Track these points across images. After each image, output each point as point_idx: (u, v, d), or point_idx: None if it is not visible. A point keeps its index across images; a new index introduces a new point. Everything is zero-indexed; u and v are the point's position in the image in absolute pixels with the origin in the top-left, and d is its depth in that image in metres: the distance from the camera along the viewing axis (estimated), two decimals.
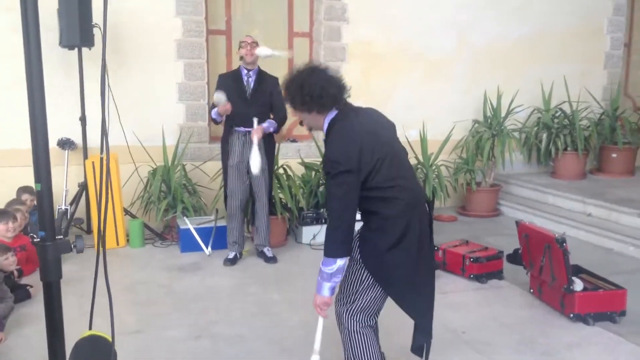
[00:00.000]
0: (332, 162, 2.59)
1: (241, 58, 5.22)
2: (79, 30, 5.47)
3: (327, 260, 2.62)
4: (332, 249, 2.61)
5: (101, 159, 1.93)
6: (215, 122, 5.31)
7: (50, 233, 1.71)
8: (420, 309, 2.87)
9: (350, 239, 2.64)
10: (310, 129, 2.95)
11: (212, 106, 5.26)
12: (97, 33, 5.69)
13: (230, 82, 5.21)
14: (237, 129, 5.18)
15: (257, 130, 5.00)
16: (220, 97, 4.99)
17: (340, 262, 2.61)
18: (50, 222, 1.72)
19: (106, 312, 2.10)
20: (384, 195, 2.65)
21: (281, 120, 5.26)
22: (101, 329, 2.38)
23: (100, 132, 1.83)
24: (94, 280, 2.06)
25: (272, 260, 5.28)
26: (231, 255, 5.36)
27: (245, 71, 5.21)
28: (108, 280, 2.02)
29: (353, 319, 2.81)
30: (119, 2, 5.78)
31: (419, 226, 2.73)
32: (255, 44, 5.17)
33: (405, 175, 2.74)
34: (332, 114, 2.73)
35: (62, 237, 1.80)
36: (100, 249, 1.93)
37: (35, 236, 1.74)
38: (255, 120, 5.06)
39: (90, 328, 2.25)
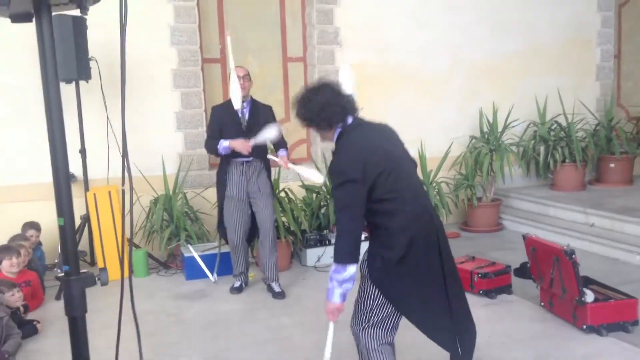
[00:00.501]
0: (337, 172, 2.68)
1: None
2: (76, 63, 5.48)
3: (337, 267, 2.67)
4: (341, 256, 2.67)
5: (123, 190, 1.92)
6: (218, 154, 5.12)
7: (74, 267, 1.69)
8: (434, 326, 2.83)
9: (358, 247, 2.68)
10: (323, 141, 3.01)
11: (207, 139, 5.17)
12: (93, 66, 5.72)
13: (225, 114, 5.10)
14: (235, 160, 5.07)
15: (283, 159, 5.01)
16: (271, 133, 4.88)
17: (351, 270, 2.66)
18: (74, 256, 1.71)
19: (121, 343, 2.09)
20: (387, 208, 2.68)
21: (284, 146, 5.22)
22: None
23: (122, 162, 1.82)
24: (119, 311, 2.04)
25: (280, 295, 5.12)
26: (237, 284, 5.30)
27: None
28: (135, 311, 2.00)
29: (370, 337, 2.80)
30: (116, 35, 5.80)
31: (425, 242, 2.72)
32: (247, 77, 5.08)
33: (411, 188, 2.75)
34: (339, 128, 2.80)
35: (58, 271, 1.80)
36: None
37: (60, 271, 1.73)
38: (277, 153, 5.10)
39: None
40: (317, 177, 4.84)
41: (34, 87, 5.98)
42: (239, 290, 5.25)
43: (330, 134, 2.83)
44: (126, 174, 1.86)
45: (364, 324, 2.80)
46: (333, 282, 2.70)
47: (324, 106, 2.74)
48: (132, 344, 2.32)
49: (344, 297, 2.71)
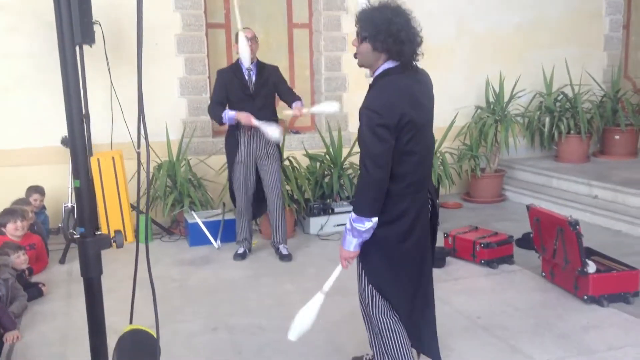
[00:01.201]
0: (372, 112, 2.46)
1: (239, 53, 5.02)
2: (80, 27, 5.41)
3: (358, 218, 2.55)
4: (363, 208, 2.54)
5: (138, 153, 1.92)
6: (221, 122, 5.09)
7: (90, 229, 1.70)
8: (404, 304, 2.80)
9: (382, 199, 2.53)
10: (360, 65, 2.70)
11: (212, 105, 5.12)
12: (97, 30, 5.65)
13: (231, 77, 5.04)
14: (243, 126, 5.02)
15: (297, 108, 4.91)
16: (274, 134, 4.79)
17: (373, 221, 2.55)
18: (90, 218, 1.72)
19: (124, 307, 2.12)
20: (393, 172, 2.55)
21: (297, 98, 5.12)
22: (120, 325, 2.39)
23: (137, 125, 1.81)
24: (134, 274, 2.06)
25: (286, 258, 5.19)
26: (240, 250, 5.34)
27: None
28: (151, 275, 2.03)
29: (383, 315, 2.77)
30: None
31: (417, 215, 2.69)
32: (255, 39, 5.03)
33: (423, 156, 2.66)
34: (391, 64, 2.58)
35: (73, 232, 1.82)
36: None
37: (74, 232, 1.74)
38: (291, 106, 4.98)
39: (131, 322, 2.25)
40: (332, 106, 4.69)
41: (36, 53, 6.01)
42: (242, 256, 5.30)
43: (375, 61, 2.59)
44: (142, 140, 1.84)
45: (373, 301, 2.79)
46: (352, 232, 2.58)
47: (395, 31, 2.47)
48: (138, 307, 2.35)
49: (359, 246, 2.62)
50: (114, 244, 1.78)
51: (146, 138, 1.84)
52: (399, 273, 2.71)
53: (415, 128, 2.53)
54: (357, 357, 3.30)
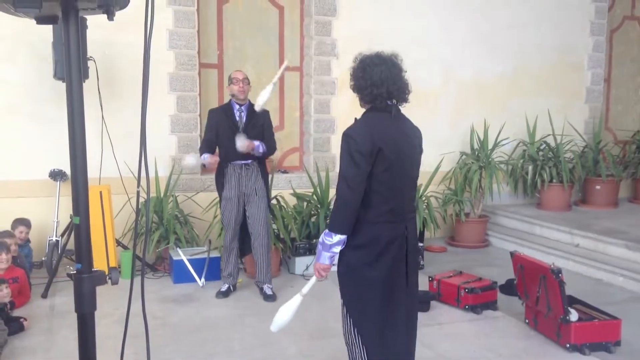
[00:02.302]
0: (349, 137, 2.75)
1: (233, 95, 5.18)
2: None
3: (328, 232, 2.82)
4: (332, 224, 2.82)
5: (138, 192, 1.96)
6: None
7: (86, 265, 1.72)
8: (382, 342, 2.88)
9: (352, 220, 2.77)
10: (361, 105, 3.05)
11: (203, 143, 5.28)
12: (91, 66, 5.72)
13: (222, 117, 5.18)
14: (232, 162, 5.14)
15: (247, 145, 5.01)
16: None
17: (339, 237, 2.79)
18: (87, 254, 1.74)
19: (105, 343, 2.12)
20: (370, 199, 2.76)
21: (271, 150, 5.30)
22: None
23: (139, 161, 1.84)
24: (127, 309, 2.06)
25: (271, 298, 5.17)
26: (224, 288, 5.32)
27: (237, 106, 5.18)
28: (145, 310, 2.02)
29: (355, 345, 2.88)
30: (113, 35, 5.81)
31: (388, 245, 2.81)
32: (246, 80, 5.17)
33: (400, 192, 2.82)
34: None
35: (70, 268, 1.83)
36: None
37: (71, 268, 1.76)
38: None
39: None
40: (267, 92, 4.89)
41: (28, 84, 6.06)
42: (225, 294, 5.27)
43: (365, 106, 2.93)
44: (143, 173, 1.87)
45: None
46: (323, 245, 2.83)
47: (375, 83, 2.80)
48: (117, 345, 2.33)
49: (331, 259, 2.85)
50: (109, 281, 1.80)
51: (147, 172, 1.88)
52: (365, 300, 2.85)
53: (389, 161, 2.75)
54: None
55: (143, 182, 2.18)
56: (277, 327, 3.19)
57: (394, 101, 2.86)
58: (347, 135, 2.77)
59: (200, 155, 5.22)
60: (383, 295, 2.83)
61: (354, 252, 2.82)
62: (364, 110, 2.94)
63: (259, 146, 5.11)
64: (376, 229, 2.80)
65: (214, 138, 5.20)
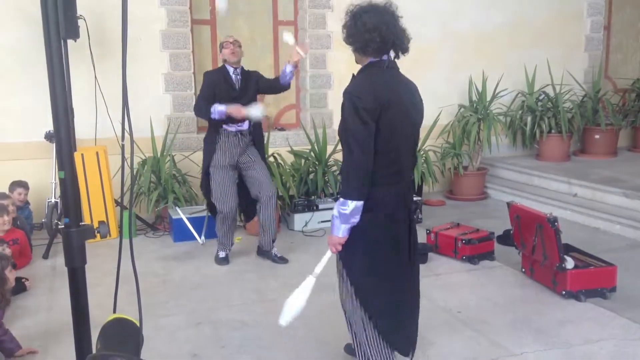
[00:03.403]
0: (353, 96, 2.58)
1: (225, 60, 5.01)
2: (64, 22, 5.39)
3: (343, 201, 2.62)
4: (347, 191, 2.61)
5: (122, 146, 1.95)
6: (209, 118, 4.88)
7: (74, 220, 1.72)
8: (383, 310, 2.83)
9: (368, 183, 2.60)
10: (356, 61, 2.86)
11: (199, 102, 5.04)
12: (81, 25, 5.63)
13: (219, 80, 4.98)
14: (226, 127, 4.94)
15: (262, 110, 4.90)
16: (255, 113, 4.83)
17: (358, 204, 2.60)
18: (74, 208, 1.74)
19: (107, 301, 2.14)
20: (374, 161, 2.61)
21: (284, 87, 5.08)
22: (103, 319, 2.40)
23: (122, 118, 1.83)
24: (117, 264, 2.08)
25: (282, 260, 5.10)
26: (222, 254, 5.15)
27: (232, 69, 5.00)
28: (135, 266, 2.04)
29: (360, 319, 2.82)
30: None
31: (395, 208, 2.74)
32: (237, 43, 5.00)
33: (403, 148, 2.72)
34: (373, 59, 2.72)
35: (58, 223, 1.82)
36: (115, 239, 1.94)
37: (59, 223, 1.76)
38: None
39: (114, 311, 2.27)
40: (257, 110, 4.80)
41: (20, 47, 5.98)
42: (226, 260, 5.12)
43: (362, 59, 2.76)
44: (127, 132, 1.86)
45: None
46: (340, 217, 2.63)
47: (368, 29, 2.63)
48: (120, 303, 2.37)
49: (348, 231, 2.67)
50: (97, 235, 1.81)
51: (130, 132, 1.86)
52: (374, 264, 2.75)
53: (394, 119, 2.62)
54: (349, 344, 3.26)
55: (127, 145, 2.15)
56: (288, 319, 2.86)
57: (391, 54, 2.74)
58: (350, 94, 2.60)
59: (212, 109, 4.81)
60: (391, 257, 2.78)
61: (362, 216, 2.65)
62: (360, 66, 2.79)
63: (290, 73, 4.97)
64: (382, 190, 2.67)
65: (212, 98, 4.90)
